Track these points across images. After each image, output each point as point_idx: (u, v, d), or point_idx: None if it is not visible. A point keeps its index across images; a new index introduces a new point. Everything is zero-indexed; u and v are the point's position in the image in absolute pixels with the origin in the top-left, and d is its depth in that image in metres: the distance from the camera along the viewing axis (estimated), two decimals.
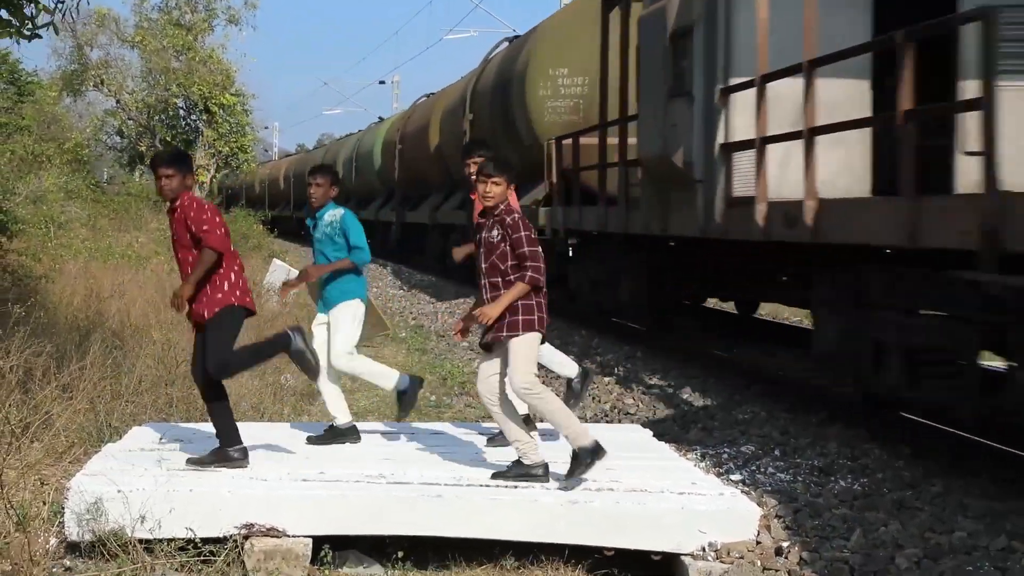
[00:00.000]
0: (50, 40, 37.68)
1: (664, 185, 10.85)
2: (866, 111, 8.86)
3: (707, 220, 9.73)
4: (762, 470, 7.52)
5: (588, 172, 14.28)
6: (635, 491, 5.77)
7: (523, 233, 5.82)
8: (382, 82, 67.79)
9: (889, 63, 8.17)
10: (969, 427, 7.85)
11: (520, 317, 5.81)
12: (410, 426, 7.72)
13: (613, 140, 13.25)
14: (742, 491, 6.38)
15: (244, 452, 6.13)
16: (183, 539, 5.38)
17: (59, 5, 8.32)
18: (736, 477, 7.32)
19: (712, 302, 16.28)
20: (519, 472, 5.91)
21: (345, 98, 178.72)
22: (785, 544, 5.66)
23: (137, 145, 35.05)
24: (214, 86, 32.88)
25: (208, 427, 6.59)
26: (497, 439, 6.97)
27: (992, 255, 6.08)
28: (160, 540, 5.36)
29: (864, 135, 8.91)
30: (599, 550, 5.55)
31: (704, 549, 5.42)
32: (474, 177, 6.16)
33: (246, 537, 5.42)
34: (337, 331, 6.99)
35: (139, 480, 5.66)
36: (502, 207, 5.91)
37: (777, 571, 5.41)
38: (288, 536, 5.45)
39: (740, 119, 9.23)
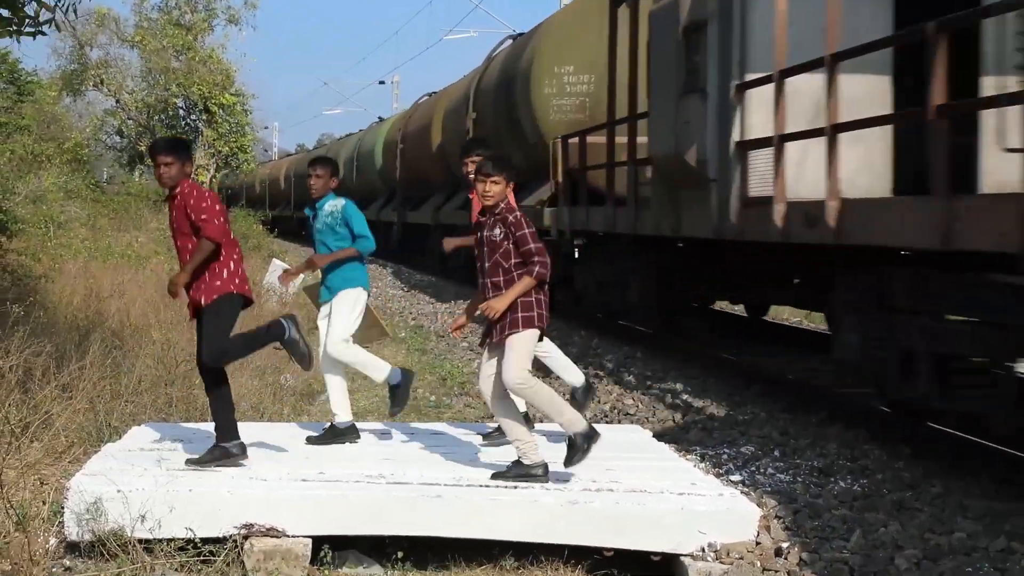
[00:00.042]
0: (50, 40, 37.77)
1: (676, 184, 10.62)
2: (887, 108, 8.60)
3: (721, 220, 9.46)
4: (762, 471, 7.51)
5: (595, 172, 14.04)
6: (635, 491, 5.77)
7: (527, 230, 5.83)
8: (382, 82, 67.89)
9: (910, 58, 8.00)
10: (1003, 438, 7.54)
11: (520, 314, 5.82)
12: (410, 426, 7.72)
13: (622, 139, 12.95)
14: (742, 492, 6.38)
15: (242, 447, 6.13)
16: (183, 539, 5.37)
17: (59, 2, 8.31)
18: (736, 478, 7.32)
19: (720, 304, 16.17)
20: (519, 472, 5.91)
21: (345, 98, 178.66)
22: (785, 545, 5.65)
23: (137, 145, 35.02)
24: (214, 86, 32.89)
25: (208, 427, 6.59)
26: (492, 436, 6.97)
27: None
28: (160, 540, 5.36)
29: (885, 132, 8.64)
30: (599, 550, 5.55)
31: (704, 550, 5.41)
32: (473, 176, 6.16)
33: (246, 537, 5.42)
34: (336, 317, 6.99)
35: (139, 480, 5.66)
36: (503, 206, 5.90)
37: (777, 572, 5.41)
38: (288, 536, 5.44)
39: (756, 116, 8.97)
